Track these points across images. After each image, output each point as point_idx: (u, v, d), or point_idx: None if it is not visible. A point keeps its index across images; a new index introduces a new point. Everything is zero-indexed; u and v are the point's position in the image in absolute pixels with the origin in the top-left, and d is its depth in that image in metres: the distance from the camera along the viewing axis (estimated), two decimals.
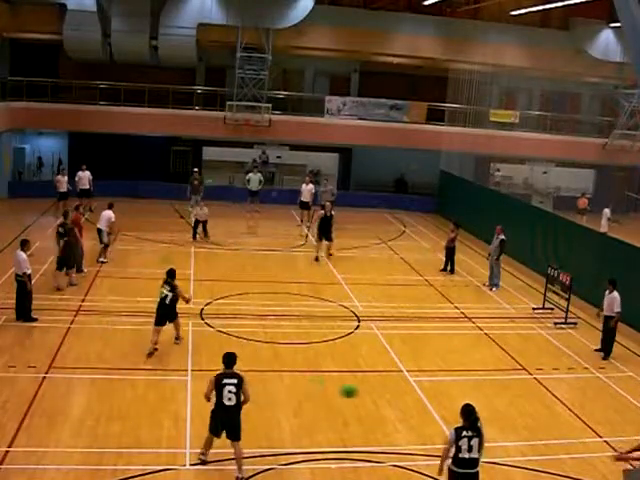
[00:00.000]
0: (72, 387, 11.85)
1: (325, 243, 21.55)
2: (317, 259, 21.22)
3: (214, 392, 9.33)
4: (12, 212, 25.52)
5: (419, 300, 18.27)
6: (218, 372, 9.40)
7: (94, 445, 9.94)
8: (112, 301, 16.22)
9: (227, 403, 9.19)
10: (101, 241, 19.18)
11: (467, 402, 8.56)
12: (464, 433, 8.19)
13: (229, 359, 9.50)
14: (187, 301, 13.97)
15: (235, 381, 9.25)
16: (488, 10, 30.59)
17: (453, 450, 8.26)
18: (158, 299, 13.31)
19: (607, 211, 26.33)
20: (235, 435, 9.33)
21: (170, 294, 13.23)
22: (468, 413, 8.31)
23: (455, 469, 8.24)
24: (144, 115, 28.86)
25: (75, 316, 15.09)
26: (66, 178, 24.90)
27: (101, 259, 19.26)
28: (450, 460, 8.33)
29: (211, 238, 22.71)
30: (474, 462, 8.24)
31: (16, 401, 11.06)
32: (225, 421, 9.34)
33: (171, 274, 13.46)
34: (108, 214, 19.21)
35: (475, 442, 8.18)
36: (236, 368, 9.50)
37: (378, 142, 30.61)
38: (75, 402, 11.28)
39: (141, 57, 28.65)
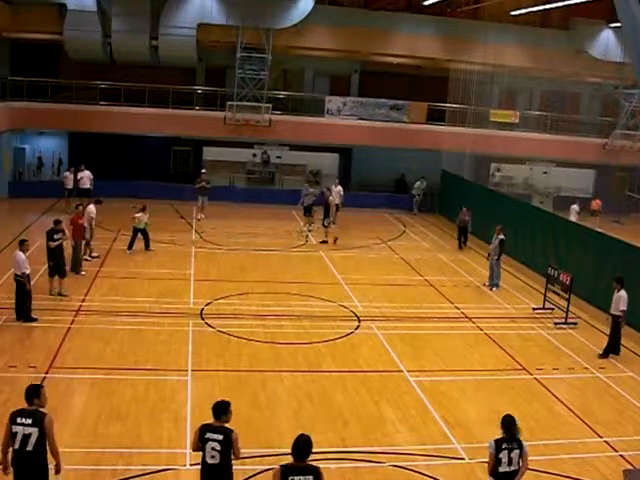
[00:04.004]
0: (72, 387, 11.85)
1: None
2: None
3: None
4: (12, 212, 25.59)
5: (419, 300, 18.27)
6: (204, 423, 7.80)
7: (94, 445, 9.93)
8: (112, 301, 16.22)
9: (209, 461, 7.61)
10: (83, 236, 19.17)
11: (508, 413, 8.20)
12: (504, 445, 7.81)
13: (216, 409, 7.74)
14: (57, 469, 7.82)
15: (221, 437, 7.57)
16: (488, 10, 30.58)
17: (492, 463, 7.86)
18: (15, 442, 7.50)
19: (575, 207, 26.54)
20: None
21: (35, 431, 7.50)
22: (508, 424, 7.94)
23: None
24: (144, 115, 28.87)
25: (75, 316, 15.08)
26: (72, 176, 25.48)
27: (91, 255, 19.31)
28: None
29: (152, 250, 20.81)
30: (514, 475, 7.88)
31: (16, 401, 10.94)
32: None
33: (34, 391, 7.81)
34: (89, 209, 19.24)
35: (515, 454, 7.83)
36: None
37: (378, 142, 30.60)
38: (75, 402, 11.28)
39: (141, 57, 28.66)
